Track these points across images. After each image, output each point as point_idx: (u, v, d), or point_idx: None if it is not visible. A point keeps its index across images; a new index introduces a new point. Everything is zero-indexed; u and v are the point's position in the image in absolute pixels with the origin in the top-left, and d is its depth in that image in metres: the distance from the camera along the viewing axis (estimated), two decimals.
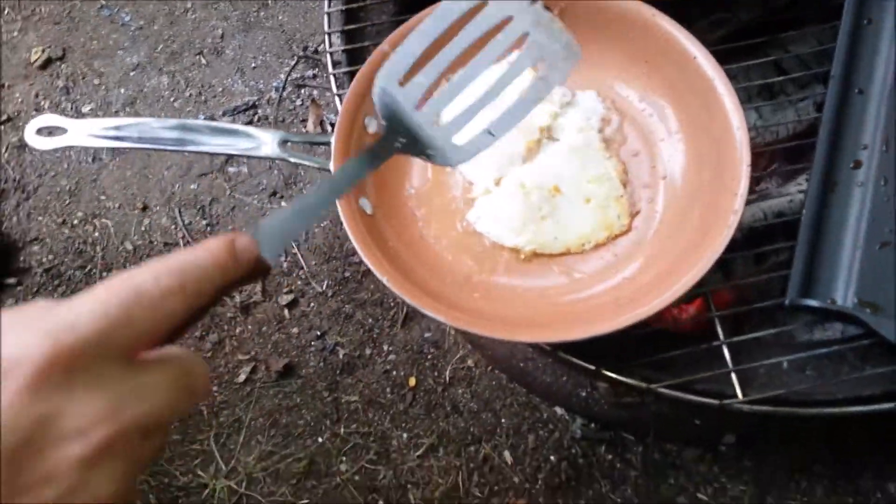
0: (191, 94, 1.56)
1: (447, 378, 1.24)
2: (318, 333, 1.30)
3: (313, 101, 1.51)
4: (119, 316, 0.30)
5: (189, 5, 1.66)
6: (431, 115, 0.50)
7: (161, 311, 0.31)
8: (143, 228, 1.43)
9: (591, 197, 0.69)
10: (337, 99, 0.79)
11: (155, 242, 1.42)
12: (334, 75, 0.81)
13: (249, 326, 1.32)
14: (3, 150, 1.53)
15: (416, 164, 0.74)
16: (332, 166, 0.68)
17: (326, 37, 0.83)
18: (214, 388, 1.27)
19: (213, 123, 0.74)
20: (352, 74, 0.77)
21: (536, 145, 0.72)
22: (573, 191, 0.70)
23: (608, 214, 0.69)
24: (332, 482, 1.18)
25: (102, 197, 1.47)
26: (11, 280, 1.41)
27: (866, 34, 0.72)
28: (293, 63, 1.56)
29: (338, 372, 1.27)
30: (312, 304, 1.33)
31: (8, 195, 1.49)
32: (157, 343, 0.32)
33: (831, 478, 1.10)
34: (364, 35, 0.84)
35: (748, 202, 0.63)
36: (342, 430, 1.22)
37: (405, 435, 1.21)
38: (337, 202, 0.64)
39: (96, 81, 1.60)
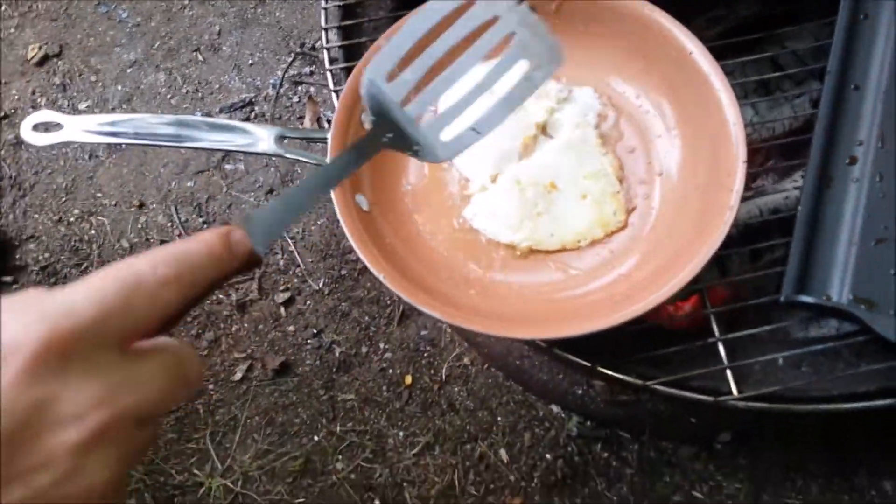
0: (187, 91, 1.56)
1: (443, 376, 1.24)
2: (315, 331, 1.30)
3: (310, 97, 1.51)
4: (116, 303, 0.30)
5: (186, 2, 1.66)
6: (417, 112, 0.50)
7: (157, 301, 0.32)
8: (139, 226, 1.43)
9: (587, 193, 0.69)
10: (334, 95, 0.78)
11: (151, 240, 1.42)
12: (331, 72, 0.81)
13: (246, 324, 1.32)
14: (0, 147, 1.53)
15: (413, 160, 0.73)
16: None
17: (323, 33, 0.83)
18: (210, 387, 1.26)
19: (210, 119, 0.73)
20: (349, 71, 0.77)
21: (533, 142, 0.72)
22: (569, 187, 0.70)
23: (604, 211, 0.69)
24: (328, 481, 1.18)
25: (99, 194, 1.47)
26: (7, 278, 1.40)
27: (862, 30, 0.72)
28: (290, 60, 1.56)
29: (334, 370, 1.27)
30: (309, 302, 1.33)
31: (4, 192, 1.48)
32: (151, 333, 0.32)
33: (826, 475, 1.10)
34: (361, 31, 0.83)
35: (744, 198, 0.63)
36: (338, 428, 1.22)
37: (401, 433, 1.21)
38: (333, 199, 0.64)
39: (93, 78, 1.59)
